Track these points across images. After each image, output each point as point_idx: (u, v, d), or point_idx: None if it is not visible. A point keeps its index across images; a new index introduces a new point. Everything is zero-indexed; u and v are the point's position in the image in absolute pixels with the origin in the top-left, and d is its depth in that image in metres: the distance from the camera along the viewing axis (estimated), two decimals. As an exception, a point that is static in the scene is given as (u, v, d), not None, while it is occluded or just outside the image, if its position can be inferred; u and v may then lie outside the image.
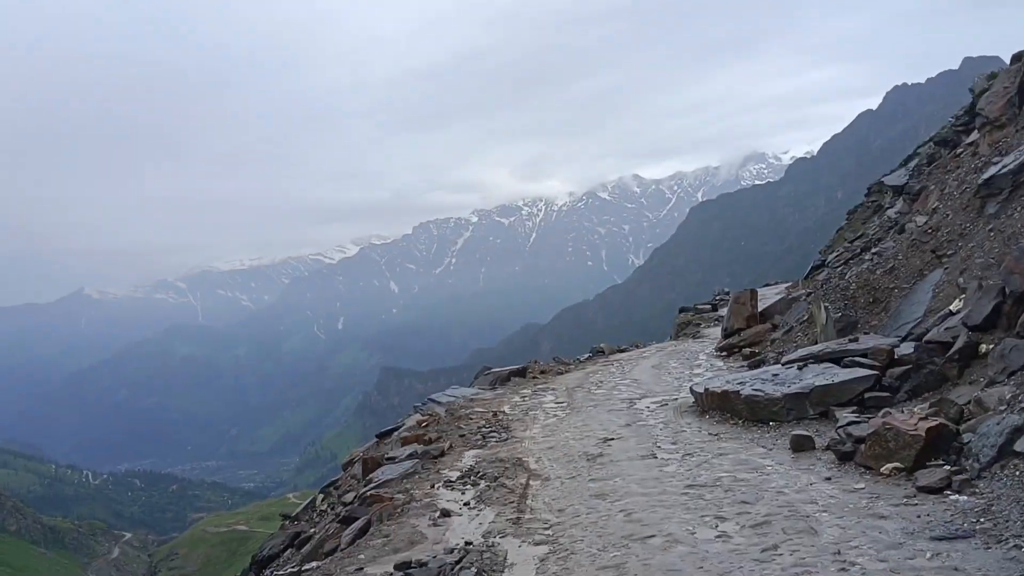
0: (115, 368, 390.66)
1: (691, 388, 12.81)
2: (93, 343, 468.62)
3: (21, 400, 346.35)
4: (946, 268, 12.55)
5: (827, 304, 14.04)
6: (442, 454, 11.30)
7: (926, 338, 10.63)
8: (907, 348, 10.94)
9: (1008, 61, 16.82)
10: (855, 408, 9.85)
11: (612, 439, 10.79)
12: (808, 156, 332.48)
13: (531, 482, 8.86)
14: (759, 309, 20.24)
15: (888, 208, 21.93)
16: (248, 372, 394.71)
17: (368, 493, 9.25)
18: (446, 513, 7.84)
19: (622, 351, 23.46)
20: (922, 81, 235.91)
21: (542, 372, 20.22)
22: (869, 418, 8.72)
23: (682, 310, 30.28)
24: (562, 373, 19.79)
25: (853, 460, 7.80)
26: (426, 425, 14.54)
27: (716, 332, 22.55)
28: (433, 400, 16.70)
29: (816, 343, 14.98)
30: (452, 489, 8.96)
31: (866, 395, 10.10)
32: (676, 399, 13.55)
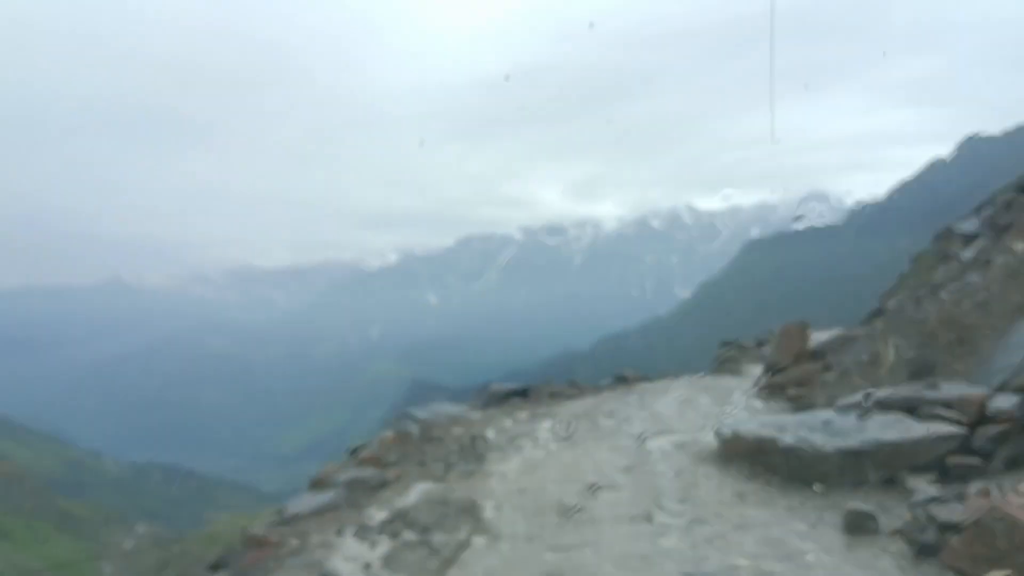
0: (147, 357, 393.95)
1: (716, 431, 10.15)
2: (127, 330, 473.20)
3: (50, 381, 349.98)
4: (1055, 304, 9.80)
5: (898, 341, 11.28)
6: (383, 484, 8.80)
7: (1036, 391, 7.88)
8: (1005, 401, 8.22)
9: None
10: (935, 477, 7.18)
11: (600, 488, 8.19)
12: (873, 201, 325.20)
13: (473, 539, 6.35)
14: (810, 345, 17.69)
15: (958, 254, 20.07)
16: (279, 373, 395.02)
17: (254, 533, 6.76)
18: (326, 581, 5.34)
19: (649, 380, 20.98)
20: (997, 133, 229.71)
21: (551, 395, 17.65)
22: (958, 493, 6.09)
23: (723, 344, 28.39)
24: (573, 398, 17.22)
25: (937, 557, 5.22)
26: (390, 445, 12.09)
27: (758, 370, 19.99)
28: (409, 415, 14.20)
29: (878, 388, 12.30)
30: (363, 539, 6.48)
31: (949, 460, 7.40)
32: (698, 441, 10.90)
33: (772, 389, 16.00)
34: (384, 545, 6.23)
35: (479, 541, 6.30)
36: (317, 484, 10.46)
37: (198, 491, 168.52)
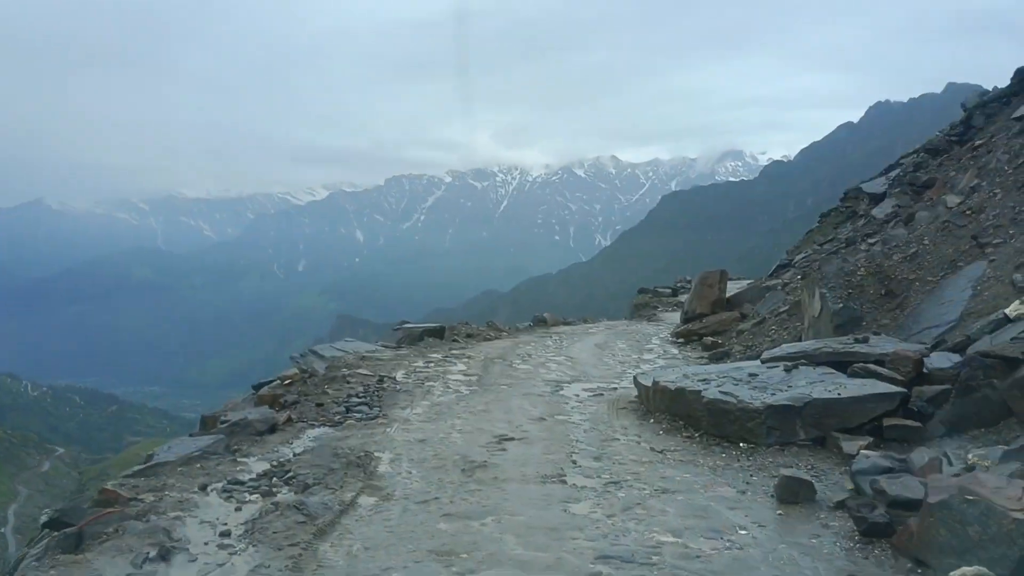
0: (70, 282, 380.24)
1: (636, 378, 9.53)
2: (49, 254, 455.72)
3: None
4: (992, 260, 9.40)
5: (824, 291, 10.78)
6: (272, 429, 7.92)
7: (976, 349, 7.40)
8: (943, 360, 7.73)
9: (990, 89, 16.98)
10: (870, 440, 6.64)
11: (510, 439, 7.48)
12: (784, 159, 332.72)
13: (360, 500, 5.54)
14: (727, 295, 17.39)
15: (869, 212, 20.19)
16: (204, 303, 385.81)
17: (107, 487, 5.81)
18: (168, 552, 4.46)
19: (567, 324, 20.60)
20: (904, 100, 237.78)
21: (468, 336, 16.90)
22: (902, 462, 5.53)
23: (641, 291, 28.54)
24: (490, 339, 16.53)
25: (890, 540, 4.57)
26: (289, 384, 11.17)
27: (674, 317, 20.24)
28: (315, 352, 13.24)
29: (800, 340, 11.84)
30: (229, 498, 5.59)
31: (885, 421, 6.87)
32: (616, 389, 10.31)
33: (689, 336, 15.70)
34: (253, 507, 5.36)
35: (366, 503, 5.48)
36: (207, 425, 9.52)
37: (118, 416, 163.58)
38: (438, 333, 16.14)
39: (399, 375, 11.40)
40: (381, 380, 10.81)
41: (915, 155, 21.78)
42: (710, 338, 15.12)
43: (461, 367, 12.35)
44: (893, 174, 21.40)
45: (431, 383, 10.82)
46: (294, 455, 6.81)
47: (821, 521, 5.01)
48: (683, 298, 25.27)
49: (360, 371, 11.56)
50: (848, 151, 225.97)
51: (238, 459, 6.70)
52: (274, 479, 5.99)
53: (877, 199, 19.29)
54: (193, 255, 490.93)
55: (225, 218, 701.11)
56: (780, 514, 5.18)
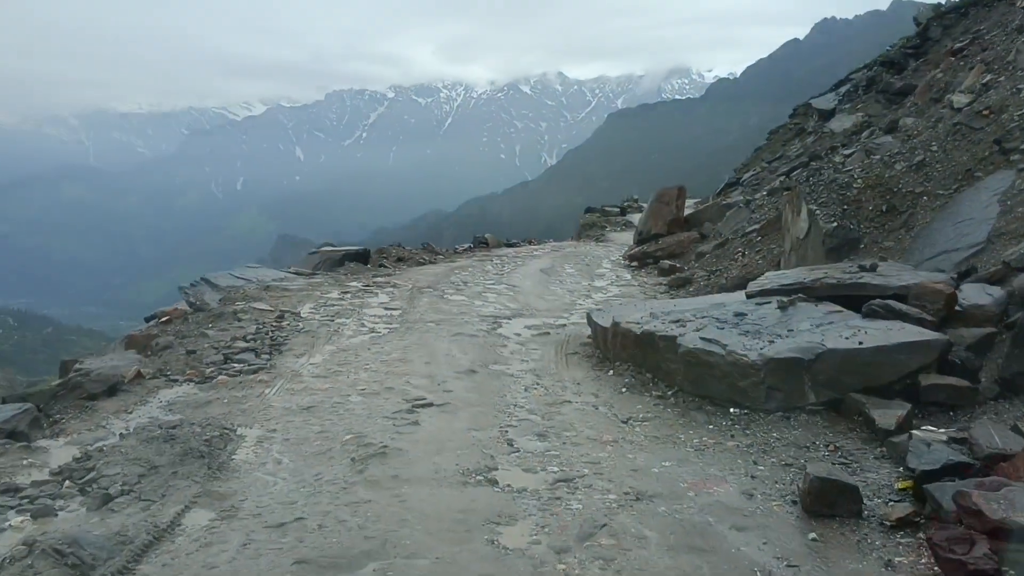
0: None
1: (589, 315, 7.71)
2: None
3: None
4: (1022, 169, 7.68)
5: (814, 207, 9.01)
6: (113, 391, 5.95)
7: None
8: (978, 294, 6.08)
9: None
10: (905, 403, 4.93)
11: (427, 405, 5.62)
12: (730, 77, 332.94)
13: (184, 521, 3.66)
14: (684, 213, 15.75)
15: (813, 130, 19.02)
16: (139, 223, 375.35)
17: None
18: None
19: (510, 246, 19.01)
20: (850, 17, 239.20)
21: (399, 260, 14.94)
22: (966, 447, 3.87)
23: (588, 210, 27.18)
24: (423, 264, 14.62)
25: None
26: (167, 321, 9.15)
27: (623, 238, 19.17)
28: (208, 281, 11.13)
29: (779, 267, 10.13)
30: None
31: (922, 379, 5.15)
32: (564, 326, 8.52)
33: (643, 259, 14.13)
34: (8, 538, 3.43)
35: (193, 527, 3.61)
36: (65, 369, 7.50)
37: (55, 337, 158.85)
38: (362, 257, 14.15)
39: (305, 310, 9.45)
40: (281, 317, 8.87)
41: (866, 69, 20.61)
42: (667, 261, 13.49)
43: (383, 299, 10.43)
44: (843, 89, 20.44)
45: (342, 320, 8.91)
46: (119, 436, 4.87)
47: (880, 556, 3.27)
48: (632, 217, 24.23)
49: (258, 305, 9.56)
50: (794, 69, 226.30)
51: (34, 445, 4.75)
52: (67, 483, 4.07)
53: (826, 115, 18.44)
54: (127, 173, 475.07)
55: (158, 134, 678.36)
56: (814, 540, 3.43)
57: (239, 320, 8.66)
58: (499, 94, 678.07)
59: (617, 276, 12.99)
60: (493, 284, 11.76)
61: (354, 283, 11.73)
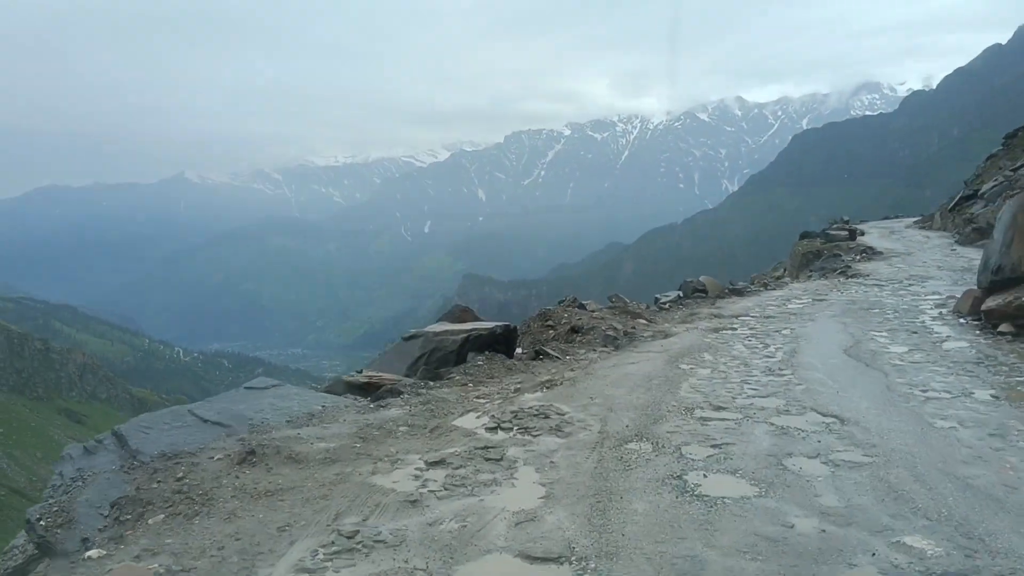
0: (212, 251, 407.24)
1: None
2: (191, 225, 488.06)
3: (120, 274, 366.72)
4: None
5: None
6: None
7: None
8: None
9: None
10: None
11: None
12: (926, 89, 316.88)
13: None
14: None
15: None
16: (338, 267, 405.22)
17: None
18: None
19: (737, 292, 14.77)
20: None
21: (572, 331, 9.78)
22: None
23: (805, 235, 22.54)
24: (613, 338, 9.41)
25: None
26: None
27: (875, 269, 15.10)
28: (121, 438, 5.31)
29: None
30: None
31: None
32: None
33: (1017, 316, 8.68)
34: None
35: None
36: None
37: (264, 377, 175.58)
38: (502, 341, 8.50)
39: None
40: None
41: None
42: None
43: (529, 484, 4.57)
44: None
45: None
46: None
47: None
48: (865, 240, 20.63)
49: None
50: (995, 77, 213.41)
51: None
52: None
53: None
54: (325, 222, 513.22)
55: (353, 183, 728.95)
56: None
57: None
58: (676, 123, 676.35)
59: (981, 355, 7.69)
60: (783, 404, 6.15)
61: (467, 419, 6.04)
